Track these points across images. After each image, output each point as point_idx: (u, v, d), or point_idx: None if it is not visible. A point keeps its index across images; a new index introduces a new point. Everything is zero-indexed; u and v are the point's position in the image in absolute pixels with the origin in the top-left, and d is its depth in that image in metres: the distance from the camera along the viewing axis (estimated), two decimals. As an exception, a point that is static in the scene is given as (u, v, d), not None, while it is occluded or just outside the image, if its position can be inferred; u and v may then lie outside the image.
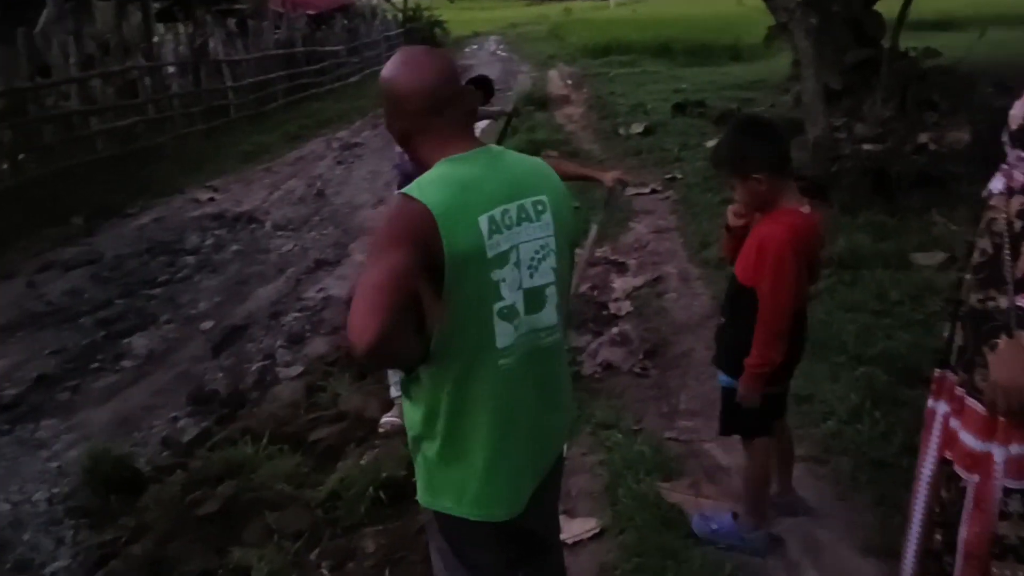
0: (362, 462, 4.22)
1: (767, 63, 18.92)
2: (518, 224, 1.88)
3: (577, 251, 2.32)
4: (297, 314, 6.57)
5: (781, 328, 2.72)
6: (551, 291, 1.95)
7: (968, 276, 2.18)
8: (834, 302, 4.93)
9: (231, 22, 18.26)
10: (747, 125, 2.91)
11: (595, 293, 5.66)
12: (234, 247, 8.51)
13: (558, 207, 1.97)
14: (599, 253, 6.30)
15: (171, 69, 14.06)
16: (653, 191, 7.88)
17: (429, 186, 1.83)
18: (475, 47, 40.06)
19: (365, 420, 4.66)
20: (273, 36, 18.66)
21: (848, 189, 6.40)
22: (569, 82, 20.67)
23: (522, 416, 1.95)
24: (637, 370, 4.50)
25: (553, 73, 23.45)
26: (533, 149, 10.08)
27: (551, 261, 1.94)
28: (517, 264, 1.88)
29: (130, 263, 8.11)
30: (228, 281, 7.47)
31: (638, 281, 5.71)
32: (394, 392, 4.40)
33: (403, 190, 1.85)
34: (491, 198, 1.86)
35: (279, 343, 6.02)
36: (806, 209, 2.76)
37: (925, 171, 6.77)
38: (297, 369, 5.57)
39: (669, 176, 8.23)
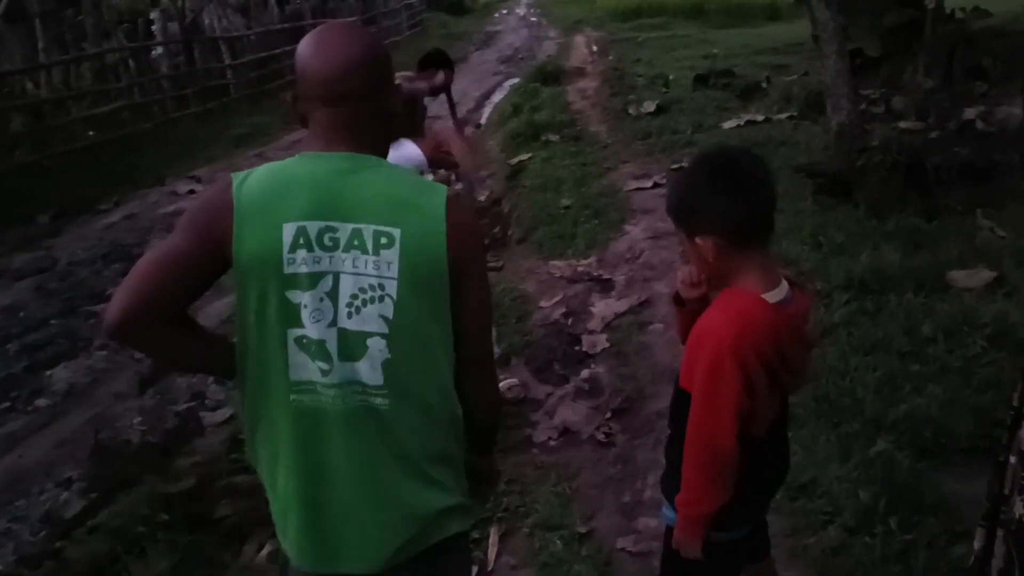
0: (260, 555, 3.49)
1: (806, 22, 17.76)
2: (345, 250, 1.54)
3: None
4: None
5: (715, 458, 1.85)
6: (376, 343, 1.55)
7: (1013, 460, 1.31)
8: (851, 341, 4.02)
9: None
10: (708, 166, 1.93)
11: (568, 322, 4.80)
12: (198, 251, 7.78)
13: (417, 249, 1.55)
14: (580, 268, 5.44)
15: (159, 49, 13.29)
16: (656, 185, 6.95)
17: (254, 175, 1.59)
18: (504, 11, 38.96)
19: (279, 491, 3.92)
20: (276, 10, 17.79)
21: (876, 186, 5.43)
22: (594, 48, 19.77)
23: (322, 470, 1.60)
24: (601, 436, 3.65)
25: (579, 39, 22.46)
26: (533, 131, 9.25)
27: (384, 308, 1.55)
28: (332, 296, 1.54)
29: (82, 272, 7.42)
30: (180, 294, 6.76)
31: (622, 306, 4.84)
32: None
33: (235, 173, 1.60)
34: (315, 209, 1.53)
35: (213, 379, 5.27)
36: (777, 295, 1.87)
37: (969, 162, 5.76)
38: (225, 412, 4.80)
39: (676, 166, 7.29)
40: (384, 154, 1.70)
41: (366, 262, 1.54)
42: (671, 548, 2.02)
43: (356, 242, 1.53)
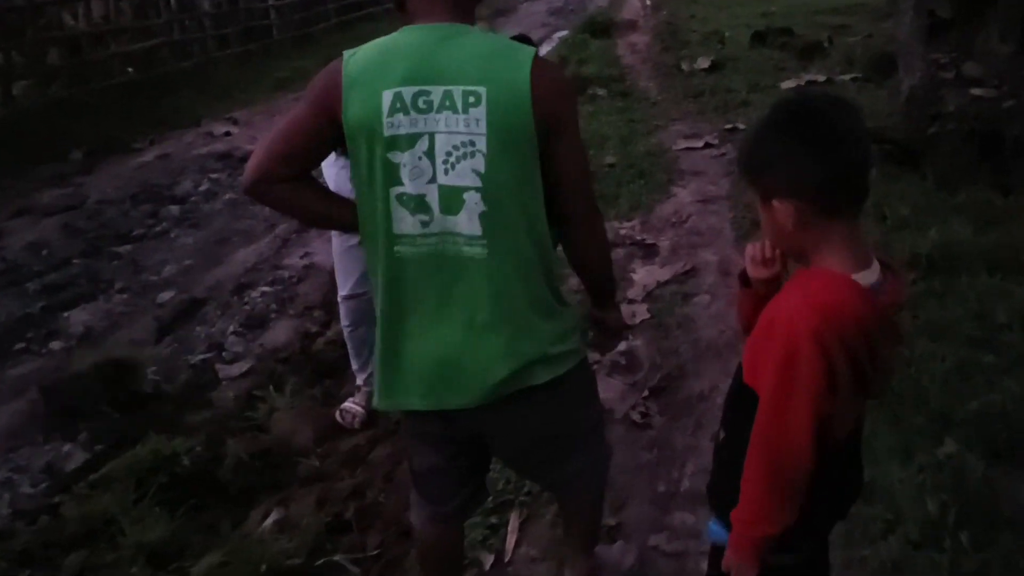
0: (266, 523, 3.27)
1: (870, -18, 17.01)
2: (437, 111, 1.66)
3: None
4: (267, 288, 5.58)
5: (785, 470, 1.54)
6: (472, 197, 1.69)
7: None
8: (916, 325, 3.67)
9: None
10: (788, 113, 1.55)
11: (608, 288, 4.48)
12: (228, 195, 7.52)
13: (501, 105, 1.65)
14: (623, 231, 5.12)
15: (201, -14, 13.01)
16: (707, 145, 6.56)
17: (362, 49, 1.75)
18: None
19: (290, 453, 3.71)
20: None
21: (947, 157, 5.01)
22: (648, 2, 19.16)
23: (418, 315, 1.78)
24: (636, 416, 3.36)
25: (634, -10, 21.76)
26: (579, 85, 8.83)
27: (476, 163, 1.68)
28: (430, 155, 1.68)
29: (110, 211, 7.23)
30: (207, 239, 6.51)
31: (665, 274, 4.51)
32: (360, 379, 3.84)
33: (347, 50, 1.77)
34: (410, 75, 1.67)
35: (233, 328, 5.03)
36: (869, 277, 1.54)
37: (1052, 133, 5.30)
38: (243, 366, 4.57)
39: (729, 127, 6.88)
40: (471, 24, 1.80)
41: (457, 121, 1.65)
42: (718, 570, 1.72)
43: (448, 103, 1.65)
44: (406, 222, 1.71)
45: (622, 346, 3.92)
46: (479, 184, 1.68)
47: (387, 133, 1.66)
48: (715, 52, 10.03)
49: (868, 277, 1.52)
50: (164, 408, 4.20)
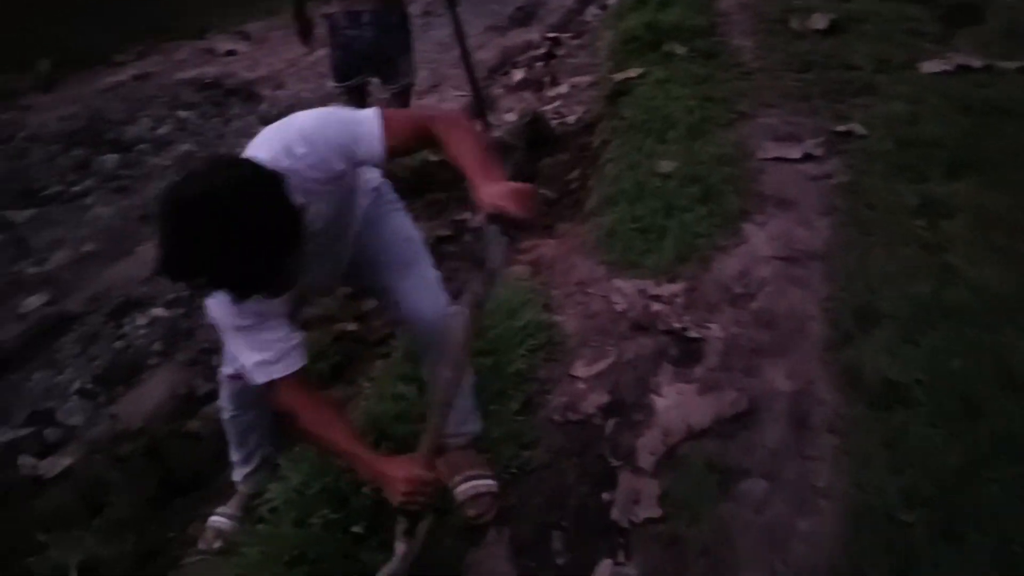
0: None
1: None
2: None
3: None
4: (161, 312, 4.04)
5: None
6: None
7: None
8: None
9: None
10: None
11: (609, 426, 2.81)
12: (186, 146, 5.97)
13: None
14: (657, 305, 3.41)
15: None
16: (806, 156, 4.69)
17: None
18: None
19: None
20: None
21: None
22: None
23: None
24: None
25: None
26: (653, 38, 6.94)
27: None
28: None
29: (35, 153, 5.78)
30: (129, 213, 5.01)
31: (703, 413, 2.81)
32: (238, 475, 2.77)
33: None
34: None
35: (82, 382, 3.54)
36: None
37: None
38: (62, 462, 3.11)
39: (843, 129, 4.97)
40: None
41: None
42: None
43: None
44: None
45: (604, 572, 2.30)
46: None
47: None
48: (837, 4, 7.91)
49: None
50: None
